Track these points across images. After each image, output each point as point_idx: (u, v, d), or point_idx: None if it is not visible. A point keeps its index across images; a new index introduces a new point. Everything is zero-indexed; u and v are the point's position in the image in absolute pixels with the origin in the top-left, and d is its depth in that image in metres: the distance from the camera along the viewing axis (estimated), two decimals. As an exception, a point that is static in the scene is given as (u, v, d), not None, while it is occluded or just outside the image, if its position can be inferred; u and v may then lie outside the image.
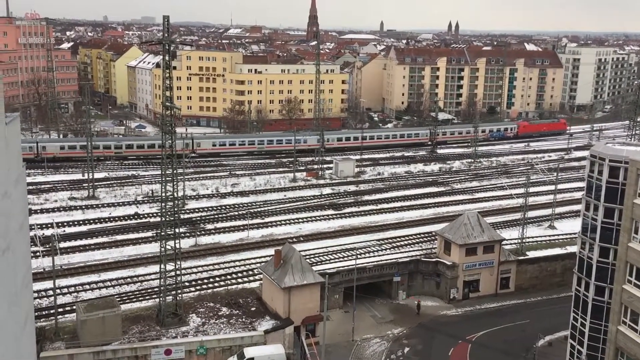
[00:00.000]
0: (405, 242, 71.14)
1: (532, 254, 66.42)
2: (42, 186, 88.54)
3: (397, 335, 54.01)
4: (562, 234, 74.58)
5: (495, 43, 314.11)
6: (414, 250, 67.78)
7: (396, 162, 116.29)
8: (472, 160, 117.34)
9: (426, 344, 52.87)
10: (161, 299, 49.24)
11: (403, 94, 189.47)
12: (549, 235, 74.58)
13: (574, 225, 71.23)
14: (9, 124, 33.25)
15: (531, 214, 75.78)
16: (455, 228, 62.31)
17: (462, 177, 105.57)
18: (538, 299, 62.89)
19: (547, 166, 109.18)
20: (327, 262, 64.17)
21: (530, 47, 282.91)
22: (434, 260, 62.47)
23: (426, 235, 72.94)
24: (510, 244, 68.46)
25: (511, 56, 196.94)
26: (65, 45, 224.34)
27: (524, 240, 67.39)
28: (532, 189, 76.93)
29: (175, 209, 50.52)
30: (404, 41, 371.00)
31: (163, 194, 49.36)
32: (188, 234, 69.12)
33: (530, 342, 51.61)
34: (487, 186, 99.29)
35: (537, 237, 73.29)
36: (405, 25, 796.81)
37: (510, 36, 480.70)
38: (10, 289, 32.54)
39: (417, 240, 71.96)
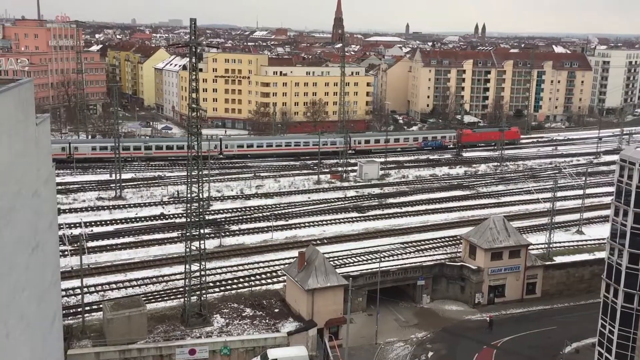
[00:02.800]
0: (430, 246, 70.63)
1: (559, 260, 65.39)
2: (71, 186, 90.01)
3: (420, 340, 53.64)
4: (590, 240, 73.29)
5: (522, 45, 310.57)
6: (438, 254, 67.24)
7: (421, 165, 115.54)
8: (498, 164, 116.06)
9: (450, 348, 52.41)
10: (186, 299, 49.66)
11: (428, 97, 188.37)
12: (577, 241, 73.35)
13: (602, 231, 69.91)
14: (39, 124, 33.92)
15: (558, 218, 74.67)
16: (481, 232, 61.68)
17: (488, 181, 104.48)
18: (565, 305, 61.88)
19: (576, 170, 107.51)
20: (351, 264, 64.02)
21: (558, 49, 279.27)
22: (458, 264, 61.91)
23: (451, 239, 72.31)
24: (537, 249, 67.47)
25: (539, 59, 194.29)
26: (95, 48, 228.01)
27: (551, 246, 66.40)
28: (559, 194, 75.86)
29: (201, 210, 50.93)
30: (430, 43, 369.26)
31: (189, 195, 49.85)
32: (213, 235, 69.60)
33: (557, 349, 50.79)
34: (514, 190, 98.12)
35: (564, 242, 72.11)
36: (431, 28, 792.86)
37: (538, 38, 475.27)
38: (40, 287, 33.15)
39: (442, 244, 71.37)
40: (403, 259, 65.75)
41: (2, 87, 28.22)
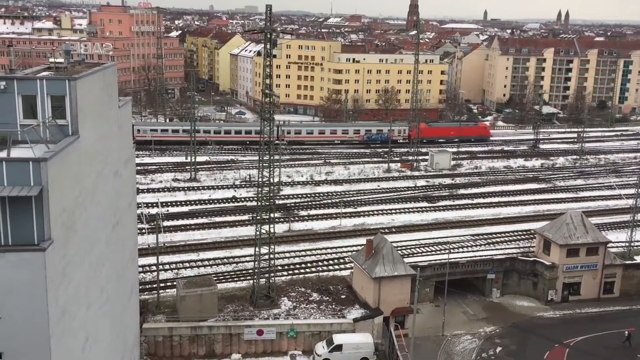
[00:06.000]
0: (501, 239, 68.99)
1: (640, 259, 62.22)
2: (149, 167, 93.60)
3: (489, 334, 52.52)
4: (676, 240, 69.24)
5: (609, 34, 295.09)
6: (510, 248, 65.57)
7: (495, 156, 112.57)
8: (578, 157, 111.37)
9: (520, 344, 51.03)
10: (255, 280, 50.75)
11: (505, 86, 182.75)
12: (661, 240, 69.50)
13: (690, 231, 65.87)
14: (122, 107, 35.40)
15: (642, 216, 70.85)
16: (557, 227, 59.50)
17: (566, 175, 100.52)
18: (646, 307, 58.84)
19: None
20: (419, 254, 63.48)
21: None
22: (531, 259, 60.03)
23: (524, 233, 70.30)
24: (617, 247, 64.51)
25: (626, 48, 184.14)
26: (174, 34, 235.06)
27: (632, 244, 63.21)
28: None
29: (271, 195, 51.73)
30: (509, 31, 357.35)
31: (260, 179, 50.73)
32: (282, 220, 70.64)
33: (635, 351, 48.43)
34: (594, 185, 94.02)
35: (647, 241, 68.54)
36: (510, 15, 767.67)
37: (626, 26, 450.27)
38: (119, 262, 34.77)
39: (514, 237, 69.56)
40: (473, 251, 64.62)
41: (89, 70, 29.60)
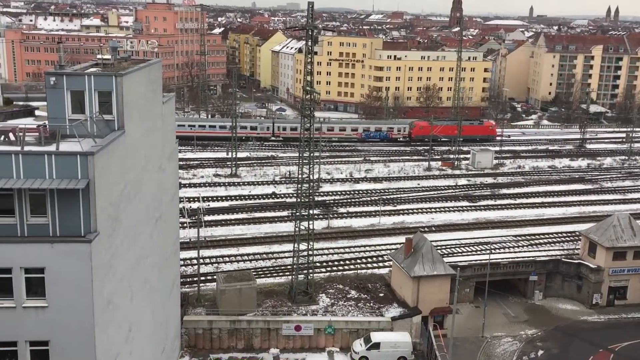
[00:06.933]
0: (545, 240, 67.49)
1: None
2: (191, 162, 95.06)
3: (530, 337, 51.51)
4: None
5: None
6: (553, 250, 64.10)
7: (539, 156, 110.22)
8: (627, 158, 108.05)
9: (563, 348, 49.89)
10: (293, 276, 51.00)
11: (551, 84, 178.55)
12: None
13: None
14: (166, 103, 36.02)
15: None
16: (603, 229, 57.90)
17: (614, 175, 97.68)
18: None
19: None
20: (459, 254, 62.68)
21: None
22: (576, 261, 58.58)
23: (568, 234, 68.64)
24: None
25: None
26: (217, 31, 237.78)
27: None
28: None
29: (310, 191, 51.86)
30: (555, 27, 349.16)
31: (299, 176, 50.91)
32: (321, 216, 70.75)
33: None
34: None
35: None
36: (557, 11, 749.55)
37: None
38: (161, 255, 35.42)
39: (558, 239, 67.96)
40: (515, 252, 63.39)
41: (135, 67, 30.21)
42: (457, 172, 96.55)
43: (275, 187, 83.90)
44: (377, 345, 45.43)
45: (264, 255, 61.75)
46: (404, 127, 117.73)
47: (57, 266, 23.76)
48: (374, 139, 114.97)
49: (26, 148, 24.30)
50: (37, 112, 33.82)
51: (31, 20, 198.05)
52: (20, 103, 36.62)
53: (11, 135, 26.27)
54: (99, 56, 35.10)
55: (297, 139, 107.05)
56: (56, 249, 23.70)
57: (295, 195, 62.57)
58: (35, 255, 23.74)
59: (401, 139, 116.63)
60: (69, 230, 24.05)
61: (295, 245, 50.54)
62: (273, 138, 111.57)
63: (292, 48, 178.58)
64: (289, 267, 55.98)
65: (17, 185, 23.13)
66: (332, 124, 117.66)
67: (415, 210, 76.40)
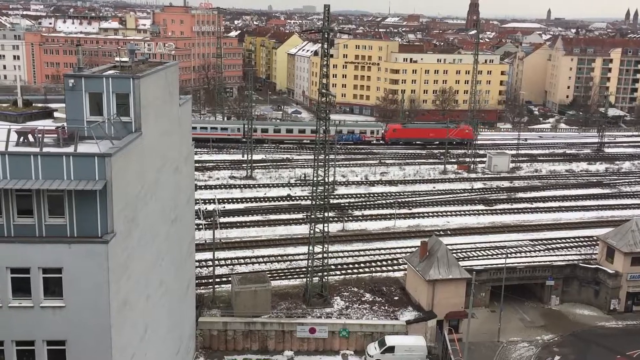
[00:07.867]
0: (562, 245, 66.83)
1: None
2: (207, 164, 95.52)
3: (547, 342, 51.01)
4: None
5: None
6: (570, 254, 63.38)
7: (556, 160, 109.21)
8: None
9: (579, 354, 49.34)
10: (308, 279, 50.99)
11: (568, 87, 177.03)
12: None
13: None
14: (182, 105, 36.26)
15: None
16: (621, 234, 57.19)
17: (632, 180, 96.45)
18: None
19: None
20: (475, 258, 62.25)
21: None
22: (593, 266, 57.94)
23: (586, 239, 67.91)
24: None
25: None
26: (233, 34, 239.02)
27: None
28: None
29: (326, 194, 51.86)
30: (573, 30, 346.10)
31: (315, 178, 50.93)
32: (336, 219, 70.69)
33: None
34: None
35: None
36: (575, 14, 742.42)
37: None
38: (177, 256, 35.62)
39: (575, 244, 67.25)
40: (531, 256, 62.78)
41: (152, 69, 30.45)
42: (473, 175, 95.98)
43: (290, 189, 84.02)
44: (391, 349, 45.27)
45: (279, 257, 61.82)
46: (378, 129, 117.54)
47: (74, 266, 23.99)
48: (347, 142, 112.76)
49: (45, 149, 24.58)
50: (55, 114, 34.24)
51: (50, 23, 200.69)
52: (40, 105, 37.02)
53: (30, 136, 26.59)
54: (117, 59, 35.43)
55: (274, 141, 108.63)
56: (73, 250, 23.93)
57: (310, 197, 62.52)
58: (53, 256, 24.00)
59: (374, 141, 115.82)
60: (86, 231, 24.29)
61: (310, 247, 50.54)
62: (244, 140, 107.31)
63: (308, 51, 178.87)
64: (303, 269, 55.99)
65: (36, 186, 23.41)
66: (304, 126, 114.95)
67: (430, 214, 76.06)
